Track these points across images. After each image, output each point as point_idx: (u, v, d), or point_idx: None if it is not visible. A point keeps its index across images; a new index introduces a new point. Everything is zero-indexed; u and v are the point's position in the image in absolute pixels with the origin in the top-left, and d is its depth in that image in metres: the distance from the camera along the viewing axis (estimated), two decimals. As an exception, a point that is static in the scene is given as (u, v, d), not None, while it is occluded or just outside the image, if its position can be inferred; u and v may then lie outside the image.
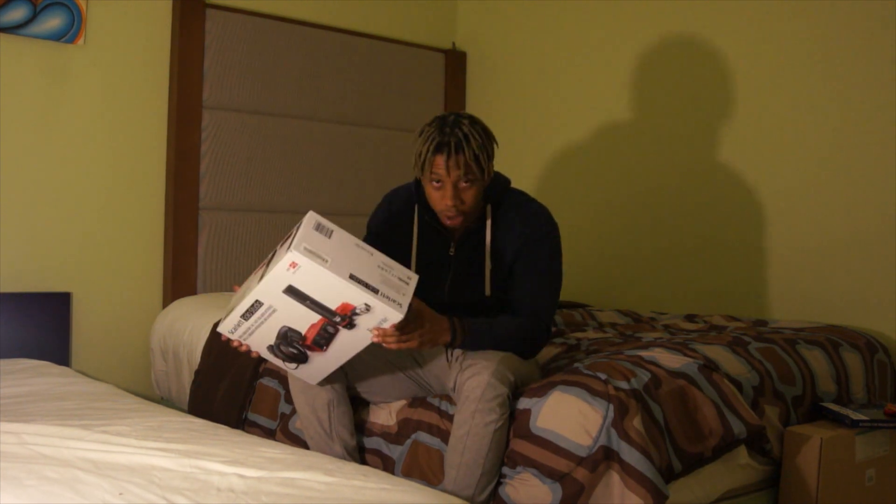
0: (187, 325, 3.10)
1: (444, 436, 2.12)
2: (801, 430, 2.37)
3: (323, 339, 1.93)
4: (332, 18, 3.83)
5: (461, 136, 2.08)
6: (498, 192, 2.26)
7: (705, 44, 3.45)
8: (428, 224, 2.26)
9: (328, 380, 2.12)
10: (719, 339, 2.55)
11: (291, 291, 1.83)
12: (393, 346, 1.93)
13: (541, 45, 4.02)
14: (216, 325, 2.94)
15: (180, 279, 3.39)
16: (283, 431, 2.50)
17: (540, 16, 4.02)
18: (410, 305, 1.88)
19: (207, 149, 3.44)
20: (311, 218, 1.85)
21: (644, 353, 2.27)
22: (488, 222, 2.23)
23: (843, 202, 3.08)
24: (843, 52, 3.07)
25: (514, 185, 2.33)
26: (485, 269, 2.23)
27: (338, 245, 1.84)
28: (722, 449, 2.13)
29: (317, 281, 1.80)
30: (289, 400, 2.53)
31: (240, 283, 1.98)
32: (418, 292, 1.98)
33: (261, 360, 2.70)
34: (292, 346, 1.97)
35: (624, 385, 2.02)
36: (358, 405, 2.31)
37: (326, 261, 1.79)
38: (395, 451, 2.23)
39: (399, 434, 2.24)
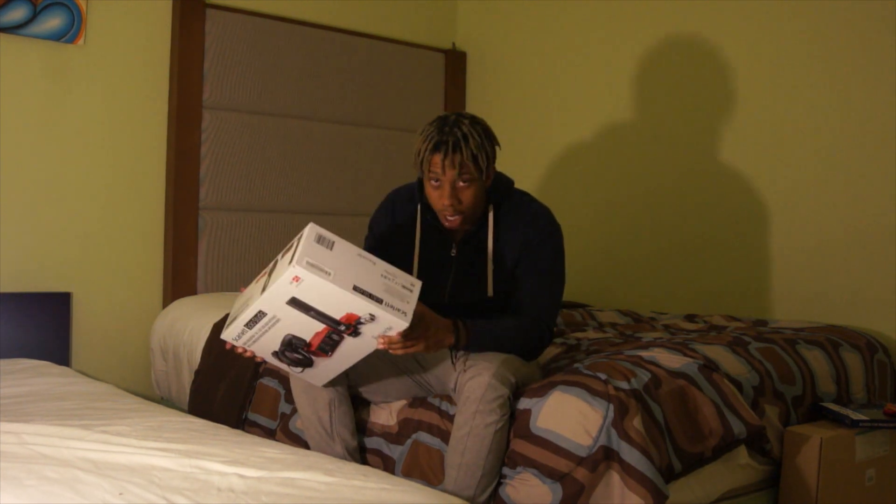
0: (187, 325, 3.10)
1: (445, 436, 2.12)
2: (801, 430, 2.37)
3: (328, 345, 1.94)
4: (332, 18, 3.83)
5: (460, 135, 2.07)
6: (500, 192, 2.25)
7: (706, 44, 3.45)
8: (430, 224, 2.26)
9: (331, 381, 2.12)
10: (719, 339, 2.55)
11: (295, 303, 1.83)
12: (399, 352, 1.93)
13: (541, 45, 4.02)
14: (216, 325, 2.97)
15: (180, 279, 3.39)
16: (284, 431, 2.50)
17: (540, 16, 4.02)
18: (414, 311, 1.88)
19: (207, 149, 3.44)
20: (311, 230, 1.84)
21: (644, 353, 2.27)
22: (490, 223, 2.23)
23: (843, 202, 3.08)
24: (844, 52, 3.07)
25: (514, 185, 2.33)
26: (486, 270, 2.22)
27: (340, 256, 1.83)
28: (722, 449, 2.13)
29: (320, 293, 1.80)
30: (289, 400, 2.53)
31: (244, 284, 1.97)
32: (420, 294, 1.98)
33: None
34: (297, 352, 1.97)
35: (624, 385, 2.02)
36: (358, 405, 2.31)
37: (329, 273, 1.78)
38: (396, 451, 2.23)
39: (399, 434, 2.24)
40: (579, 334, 2.90)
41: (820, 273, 3.13)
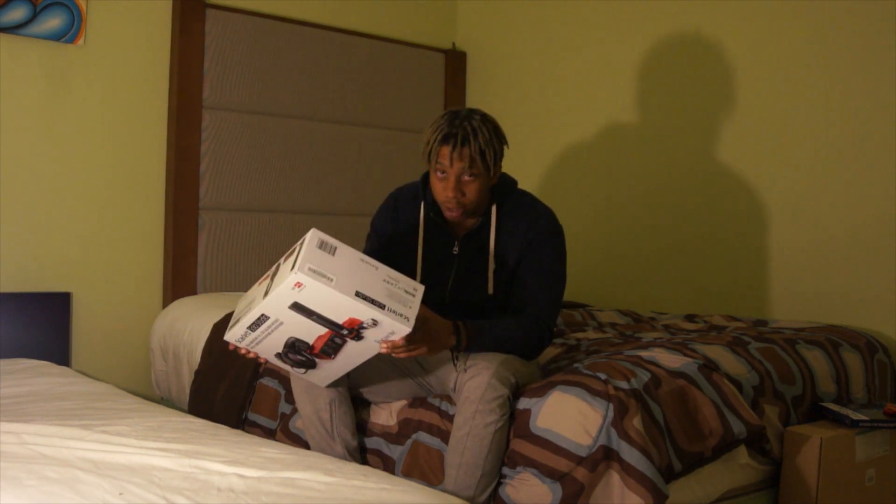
0: (187, 325, 3.10)
1: (445, 436, 2.12)
2: (801, 430, 2.37)
3: (331, 349, 1.94)
4: (332, 18, 3.83)
5: (469, 129, 2.10)
6: (504, 192, 2.26)
7: (705, 44, 3.45)
8: (433, 222, 2.26)
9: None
10: (719, 339, 2.54)
11: (297, 308, 1.83)
12: (402, 355, 1.93)
13: (541, 45, 4.02)
14: (216, 325, 2.97)
15: (180, 279, 3.39)
16: (284, 431, 2.50)
17: (540, 16, 4.02)
18: (417, 315, 1.88)
19: (207, 149, 3.44)
20: (314, 236, 1.84)
21: (644, 353, 2.27)
22: (492, 221, 2.23)
23: (843, 202, 3.08)
24: (844, 52, 3.07)
25: (517, 185, 2.34)
26: (488, 268, 2.23)
27: (342, 262, 1.83)
28: (722, 449, 2.13)
29: (322, 299, 1.80)
30: (289, 400, 2.53)
31: (244, 284, 1.98)
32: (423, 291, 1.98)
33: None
34: (300, 354, 1.97)
35: (624, 385, 2.02)
36: (359, 405, 2.31)
37: (331, 279, 1.78)
38: (396, 452, 2.23)
39: (399, 434, 2.24)
40: (579, 334, 2.90)
41: (820, 273, 3.13)
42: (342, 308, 1.81)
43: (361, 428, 2.30)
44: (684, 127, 3.52)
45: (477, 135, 2.10)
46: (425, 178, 2.30)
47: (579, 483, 1.93)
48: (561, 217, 2.31)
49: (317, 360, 1.98)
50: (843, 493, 2.38)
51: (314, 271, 1.77)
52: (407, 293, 1.89)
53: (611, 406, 1.96)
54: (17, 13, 3.01)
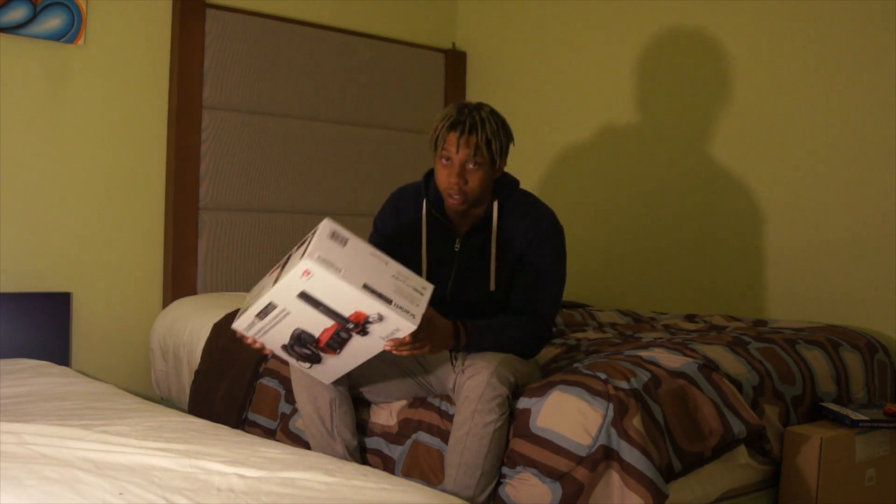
0: (187, 325, 3.10)
1: (445, 436, 2.12)
2: (801, 430, 2.37)
3: (336, 343, 1.93)
4: (332, 18, 3.83)
5: (478, 119, 2.13)
6: (506, 190, 2.27)
7: (705, 44, 3.45)
8: (435, 219, 2.27)
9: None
10: (719, 339, 2.55)
11: (305, 297, 1.83)
12: (404, 353, 1.94)
13: (541, 45, 4.02)
14: (216, 325, 2.97)
15: (180, 279, 3.39)
16: (284, 431, 2.50)
17: (540, 16, 4.02)
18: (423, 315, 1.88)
19: (207, 149, 3.44)
20: (326, 225, 1.84)
21: (644, 353, 2.27)
22: (494, 219, 2.24)
23: (842, 202, 3.08)
24: (844, 52, 3.07)
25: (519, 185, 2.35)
26: (489, 266, 2.23)
27: (353, 254, 1.83)
28: (722, 448, 2.13)
29: (330, 289, 1.80)
30: (289, 400, 2.53)
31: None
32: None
33: (261, 360, 2.70)
34: (306, 347, 1.97)
35: (624, 385, 2.02)
36: (359, 405, 2.31)
37: (340, 270, 1.78)
38: (396, 451, 2.23)
39: (399, 434, 2.24)
40: (579, 334, 2.90)
41: (820, 273, 3.13)
42: (349, 300, 1.81)
43: (361, 428, 2.30)
44: (684, 127, 3.52)
45: (485, 125, 2.13)
46: (427, 177, 2.31)
47: (579, 483, 1.93)
48: (561, 217, 2.32)
49: (322, 354, 1.98)
50: (843, 493, 2.38)
51: (323, 260, 1.77)
52: (416, 291, 1.88)
53: (611, 406, 1.96)
54: (17, 13, 3.01)
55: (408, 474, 2.17)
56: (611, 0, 3.75)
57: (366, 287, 1.80)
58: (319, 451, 2.17)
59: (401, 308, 1.82)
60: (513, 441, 2.04)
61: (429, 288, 1.92)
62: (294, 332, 1.93)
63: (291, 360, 2.04)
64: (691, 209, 3.50)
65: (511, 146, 2.22)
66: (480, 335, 2.10)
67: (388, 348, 1.91)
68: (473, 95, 4.25)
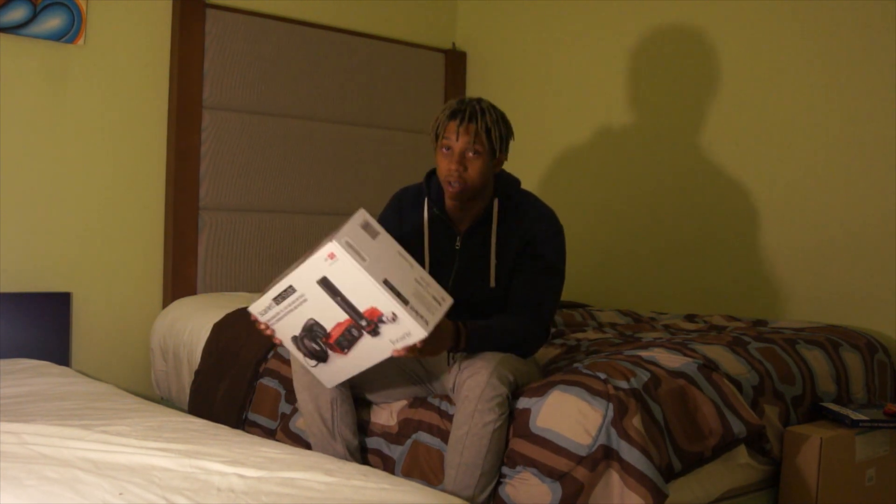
0: (187, 325, 3.10)
1: (445, 436, 2.12)
2: (801, 429, 2.37)
3: (346, 340, 1.93)
4: (332, 18, 3.83)
5: (478, 109, 2.17)
6: (506, 189, 2.29)
7: (705, 44, 3.45)
8: (436, 218, 2.29)
9: None
10: (719, 339, 2.55)
11: (325, 284, 1.82)
12: (405, 354, 1.94)
13: (541, 45, 4.02)
14: (216, 325, 2.97)
15: (180, 279, 3.39)
16: (284, 431, 2.50)
17: (540, 16, 4.02)
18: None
19: (207, 149, 3.44)
20: (360, 215, 1.84)
21: (643, 353, 2.27)
22: (494, 217, 2.25)
23: (842, 202, 3.08)
24: (844, 51, 3.07)
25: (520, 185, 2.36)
26: (489, 263, 2.24)
27: (380, 248, 1.83)
28: (722, 448, 2.13)
29: (351, 278, 1.80)
30: (289, 400, 2.53)
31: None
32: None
33: (261, 359, 2.70)
34: (315, 341, 1.97)
35: (623, 384, 2.03)
36: (359, 405, 2.31)
37: (365, 260, 1.78)
38: (396, 451, 2.23)
39: (399, 434, 2.24)
40: (579, 335, 2.90)
41: (820, 273, 3.13)
42: (367, 293, 1.81)
43: (362, 428, 2.30)
44: (684, 127, 3.52)
45: (485, 114, 2.16)
46: (428, 176, 2.33)
47: (579, 482, 1.93)
48: (561, 217, 2.32)
49: (330, 352, 1.98)
50: (843, 493, 2.38)
51: (350, 246, 1.77)
52: (434, 300, 1.88)
53: (610, 406, 1.96)
54: (17, 13, 3.01)
55: (408, 474, 2.17)
56: (611, 0, 3.75)
57: (386, 283, 1.79)
58: (320, 450, 2.18)
59: (416, 312, 1.82)
60: (513, 441, 2.04)
61: (447, 301, 1.91)
62: (307, 322, 1.93)
63: (299, 355, 2.04)
64: (691, 209, 3.50)
65: (511, 142, 2.24)
66: (480, 335, 2.10)
67: (395, 354, 1.91)
68: (473, 95, 4.24)
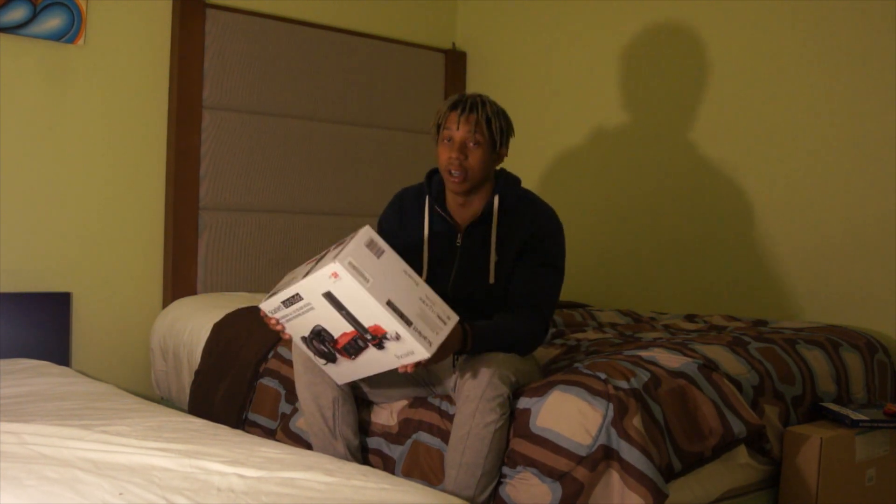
0: (187, 325, 3.10)
1: (445, 436, 2.12)
2: (801, 430, 2.37)
3: (352, 349, 1.94)
4: (332, 18, 3.83)
5: (479, 101, 2.21)
6: (507, 186, 2.30)
7: (706, 44, 3.45)
8: (437, 215, 2.30)
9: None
10: (719, 339, 2.55)
11: (330, 298, 1.83)
12: (413, 369, 1.94)
13: (541, 45, 4.02)
14: (216, 325, 2.97)
15: (180, 279, 3.39)
16: (284, 431, 2.50)
17: (540, 16, 4.02)
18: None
19: (207, 149, 3.44)
20: (365, 233, 1.84)
21: (643, 353, 2.27)
22: (495, 213, 2.26)
23: (842, 202, 3.08)
24: (844, 50, 3.07)
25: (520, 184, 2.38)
26: (489, 260, 2.24)
27: (385, 267, 1.83)
28: (722, 448, 2.13)
29: (355, 297, 1.80)
30: (289, 400, 2.53)
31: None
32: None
33: (261, 359, 2.70)
34: (324, 344, 1.98)
35: (623, 384, 2.03)
36: (359, 405, 2.31)
37: (368, 281, 1.78)
38: (396, 451, 2.23)
39: (400, 434, 2.24)
40: (579, 334, 2.90)
41: (820, 273, 3.13)
42: (370, 312, 1.81)
43: (362, 428, 2.30)
44: (685, 127, 3.52)
45: (485, 105, 2.21)
46: (429, 176, 2.35)
47: (579, 482, 1.93)
48: (561, 216, 2.33)
49: (338, 355, 1.99)
50: (843, 493, 2.38)
51: (354, 267, 1.77)
52: (439, 319, 1.88)
53: (611, 406, 1.96)
54: (17, 13, 3.01)
55: (408, 474, 2.17)
56: (611, 0, 3.75)
57: (389, 304, 1.80)
58: (321, 450, 2.18)
59: (419, 333, 1.82)
60: (513, 441, 2.04)
61: (453, 319, 1.91)
62: (315, 327, 1.94)
63: (309, 353, 2.05)
64: (691, 209, 3.50)
65: (511, 139, 2.27)
66: (486, 336, 2.10)
67: (401, 370, 1.92)
68: (473, 95, 4.25)
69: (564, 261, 2.30)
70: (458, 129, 2.18)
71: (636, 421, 1.96)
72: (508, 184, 2.31)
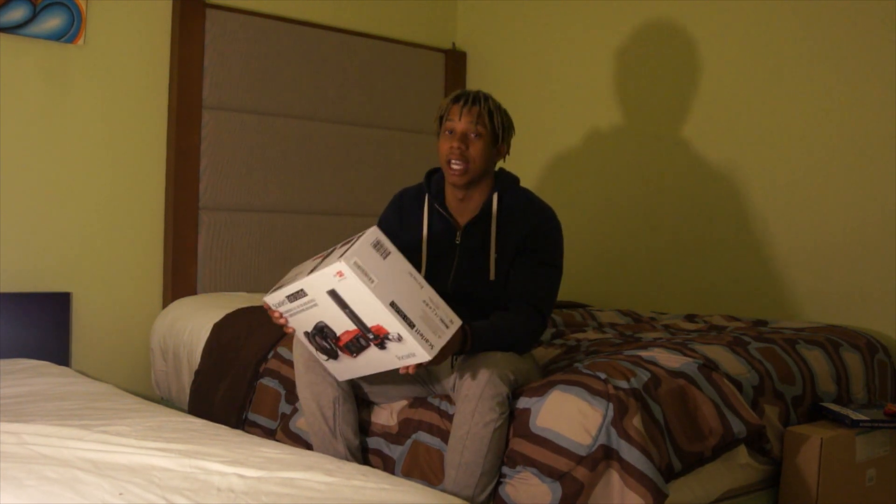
0: (187, 325, 3.10)
1: (445, 436, 2.12)
2: (801, 430, 2.37)
3: (354, 347, 1.94)
4: (332, 18, 3.83)
5: (481, 95, 2.25)
6: (505, 185, 2.32)
7: (706, 44, 3.45)
8: (436, 213, 2.31)
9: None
10: (719, 339, 2.54)
11: (334, 296, 1.84)
12: (414, 370, 1.94)
13: (541, 45, 4.02)
14: (216, 325, 2.97)
15: (180, 279, 3.39)
16: (284, 431, 2.50)
17: (540, 16, 4.02)
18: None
19: (207, 149, 3.44)
20: (372, 233, 1.85)
21: (643, 353, 2.27)
22: (494, 211, 2.27)
23: (843, 201, 3.08)
24: (844, 50, 3.07)
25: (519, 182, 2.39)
26: (489, 257, 2.25)
27: (390, 269, 1.83)
28: (722, 448, 2.13)
29: (359, 296, 1.81)
30: (289, 400, 2.53)
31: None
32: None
33: (261, 359, 2.70)
34: (326, 341, 1.98)
35: (623, 384, 2.03)
36: (359, 405, 2.31)
37: (373, 281, 1.79)
38: (396, 451, 2.23)
39: (399, 434, 2.24)
40: (579, 335, 2.90)
41: (820, 273, 3.13)
42: (374, 312, 1.82)
43: (362, 428, 2.30)
44: (685, 127, 3.52)
45: (487, 99, 2.25)
46: (428, 175, 2.37)
47: (579, 482, 1.93)
48: (561, 216, 2.33)
49: (340, 352, 1.99)
50: (843, 493, 2.37)
51: (359, 267, 1.78)
52: (442, 322, 1.89)
53: (610, 405, 1.96)
54: (17, 13, 3.01)
55: (408, 474, 2.17)
56: (612, 0, 3.75)
57: (393, 305, 1.80)
58: (321, 450, 2.18)
59: (421, 335, 1.83)
60: (513, 441, 2.04)
61: (456, 322, 1.92)
62: (318, 323, 1.95)
63: (311, 349, 2.05)
64: (691, 209, 3.50)
65: (512, 137, 2.30)
66: (486, 336, 2.10)
67: (402, 371, 1.93)
68: (473, 95, 4.25)
69: (562, 258, 2.30)
70: (461, 121, 2.21)
71: (636, 421, 1.96)
72: (507, 182, 2.33)
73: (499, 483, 2.05)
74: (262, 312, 2.89)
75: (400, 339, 1.84)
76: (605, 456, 1.93)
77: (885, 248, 2.96)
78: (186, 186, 3.39)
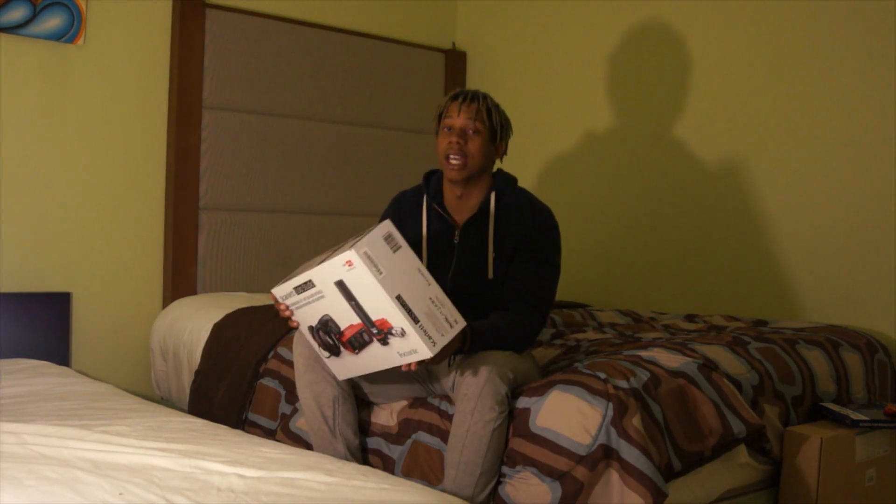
0: (187, 325, 3.10)
1: (445, 436, 2.12)
2: (801, 430, 2.37)
3: (357, 342, 1.95)
4: (332, 18, 3.83)
5: (480, 94, 2.28)
6: (503, 184, 2.33)
7: (706, 43, 3.45)
8: (435, 213, 2.32)
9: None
10: (719, 339, 2.54)
11: (341, 286, 1.85)
12: (415, 367, 1.95)
13: (541, 45, 4.02)
14: (216, 325, 2.97)
15: (180, 279, 3.39)
16: (284, 431, 2.50)
17: (540, 16, 4.02)
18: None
19: (207, 149, 3.44)
20: (384, 226, 1.86)
21: (643, 353, 2.27)
22: (492, 210, 2.27)
23: (843, 201, 3.08)
24: (844, 52, 3.07)
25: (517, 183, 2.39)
26: (487, 256, 2.26)
27: (399, 262, 1.84)
28: (721, 448, 2.13)
29: (366, 288, 1.82)
30: (289, 400, 2.53)
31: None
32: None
33: (261, 360, 2.70)
34: (329, 336, 1.99)
35: (623, 384, 2.03)
36: (359, 405, 2.31)
37: (381, 273, 1.80)
38: (396, 451, 2.23)
39: (399, 434, 2.24)
40: (579, 335, 2.90)
41: (820, 273, 3.13)
42: (379, 305, 1.82)
43: (362, 428, 2.30)
44: (685, 127, 3.52)
45: (486, 97, 2.28)
46: (427, 176, 2.38)
47: (579, 482, 1.93)
48: (561, 216, 2.33)
49: (342, 348, 1.99)
50: (843, 493, 2.38)
51: (368, 257, 1.79)
52: (446, 321, 1.89)
53: (610, 405, 1.96)
54: (17, 13, 3.01)
55: (408, 474, 2.17)
56: (612, 0, 3.75)
57: (399, 299, 1.81)
58: (321, 450, 2.18)
59: (425, 332, 1.83)
60: (512, 440, 2.04)
61: (460, 323, 1.92)
62: (323, 317, 1.95)
63: (314, 344, 2.06)
64: (691, 209, 3.50)
65: (510, 137, 2.32)
66: (485, 336, 2.10)
67: (404, 369, 1.93)
68: (473, 95, 4.25)
69: (560, 257, 2.31)
70: (459, 117, 2.23)
71: (636, 420, 1.96)
72: (505, 182, 2.34)
73: (498, 483, 2.05)
74: (263, 312, 2.91)
75: (403, 334, 1.84)
76: (604, 455, 1.94)
77: (885, 248, 2.96)
78: (186, 186, 3.39)
